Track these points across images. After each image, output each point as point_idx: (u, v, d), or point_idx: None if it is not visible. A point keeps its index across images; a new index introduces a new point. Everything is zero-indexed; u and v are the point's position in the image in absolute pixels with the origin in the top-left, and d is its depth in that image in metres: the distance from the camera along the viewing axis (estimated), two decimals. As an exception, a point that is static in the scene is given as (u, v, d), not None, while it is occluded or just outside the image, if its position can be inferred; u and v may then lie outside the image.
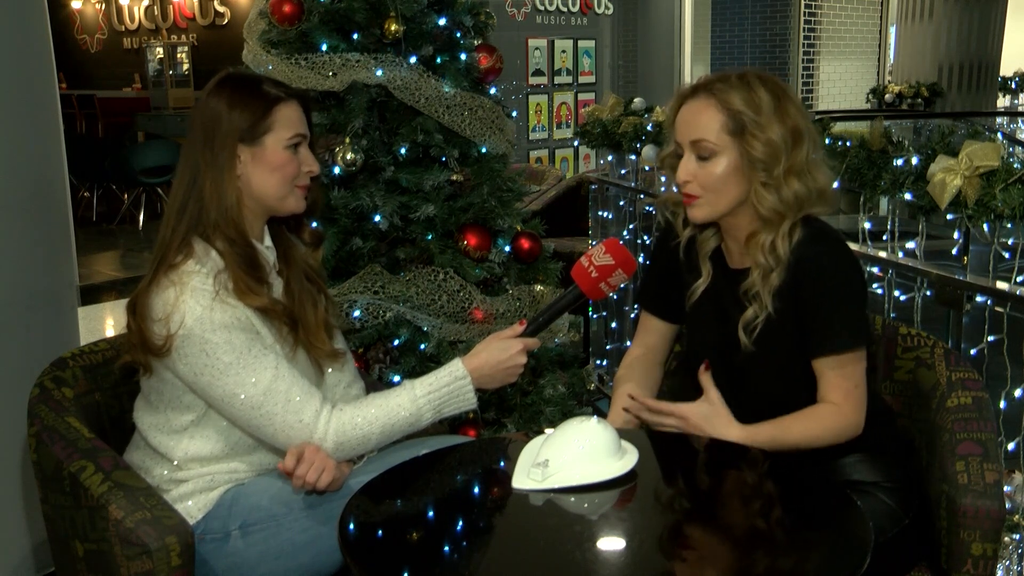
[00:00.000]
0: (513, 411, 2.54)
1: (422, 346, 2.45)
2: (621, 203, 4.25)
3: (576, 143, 8.79)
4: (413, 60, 2.50)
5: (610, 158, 4.32)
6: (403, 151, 2.49)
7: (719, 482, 1.68)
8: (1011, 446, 2.27)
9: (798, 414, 1.74)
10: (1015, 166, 2.11)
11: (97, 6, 13.26)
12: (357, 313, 2.43)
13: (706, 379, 1.82)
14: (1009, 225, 2.14)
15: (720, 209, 1.76)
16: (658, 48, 9.50)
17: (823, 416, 1.73)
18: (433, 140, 2.49)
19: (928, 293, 2.50)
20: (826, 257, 1.72)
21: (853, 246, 2.75)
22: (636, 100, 4.16)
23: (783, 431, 1.71)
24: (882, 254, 2.75)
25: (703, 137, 1.72)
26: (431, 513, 1.58)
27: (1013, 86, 11.03)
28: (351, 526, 1.48)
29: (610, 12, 9.31)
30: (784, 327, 1.74)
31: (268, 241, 1.84)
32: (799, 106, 1.75)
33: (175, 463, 1.76)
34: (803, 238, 1.73)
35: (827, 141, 2.75)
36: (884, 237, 2.84)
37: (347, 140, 2.43)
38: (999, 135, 6.10)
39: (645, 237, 4.05)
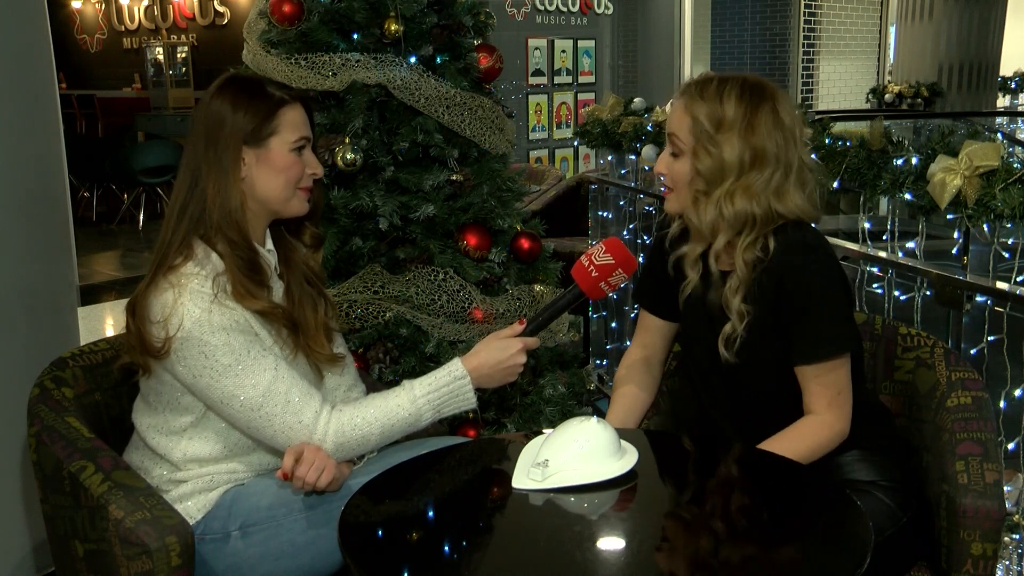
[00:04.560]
0: (513, 411, 2.54)
1: (422, 346, 2.45)
2: (621, 203, 4.25)
3: (576, 143, 8.79)
4: (413, 60, 2.50)
5: (610, 158, 4.32)
6: (403, 151, 2.49)
7: (718, 482, 1.68)
8: (1011, 446, 2.27)
9: (784, 435, 1.73)
10: (1015, 166, 2.11)
11: (97, 6, 13.25)
12: (357, 313, 2.43)
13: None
14: (1009, 225, 2.14)
15: (686, 205, 1.78)
16: (658, 48, 9.50)
17: (807, 433, 1.73)
18: (433, 140, 2.49)
19: (928, 293, 2.50)
20: (806, 265, 1.70)
21: (853, 246, 2.75)
22: (636, 100, 4.16)
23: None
24: (882, 254, 2.75)
25: (675, 133, 1.76)
26: (431, 513, 1.58)
27: (1013, 86, 11.01)
28: (351, 526, 1.48)
29: (610, 12, 9.30)
30: (767, 337, 1.74)
31: (270, 244, 1.84)
32: (781, 126, 1.72)
33: (174, 464, 1.76)
34: (779, 248, 1.71)
35: (827, 141, 2.75)
36: (884, 237, 2.84)
37: (347, 140, 2.42)
38: (999, 135, 6.09)
39: (645, 237, 4.05)
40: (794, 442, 1.71)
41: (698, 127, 1.72)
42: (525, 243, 2.62)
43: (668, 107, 1.87)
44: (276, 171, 1.76)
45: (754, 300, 1.73)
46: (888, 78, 10.89)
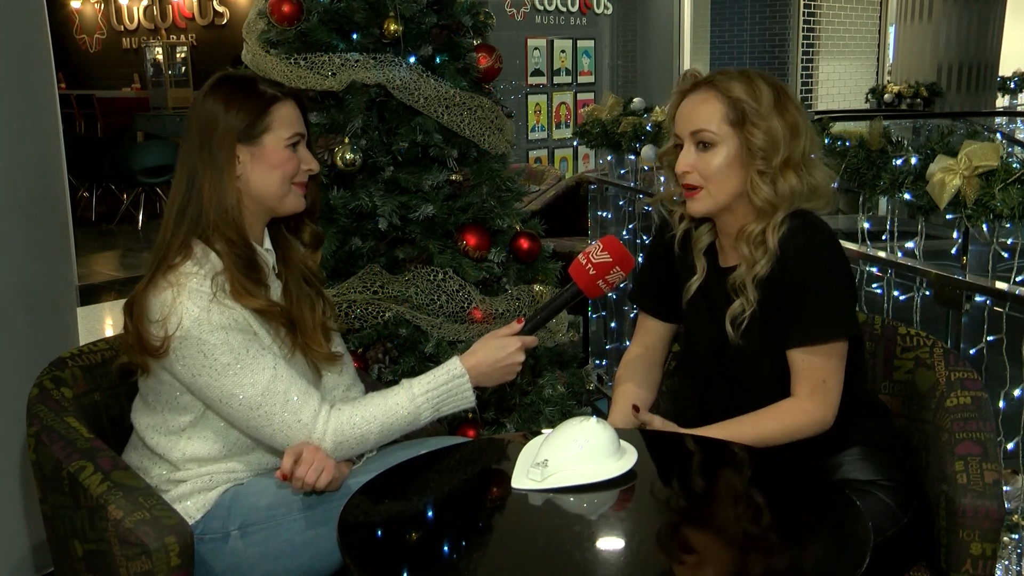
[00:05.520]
0: (512, 411, 2.54)
1: (421, 346, 2.45)
2: (620, 203, 4.26)
3: (575, 143, 8.79)
4: (412, 60, 2.50)
5: (609, 158, 4.33)
6: (402, 151, 2.49)
7: (718, 482, 1.68)
8: (1010, 446, 2.27)
9: (759, 413, 1.74)
10: (1014, 166, 2.11)
11: (96, 6, 13.25)
12: (357, 313, 2.43)
13: (645, 416, 1.83)
14: (1008, 225, 2.14)
15: (720, 201, 1.77)
16: (657, 48, 9.50)
17: (782, 414, 1.73)
18: (432, 140, 2.49)
19: (927, 293, 2.50)
20: (810, 248, 1.72)
21: (852, 246, 2.75)
22: (635, 100, 4.16)
23: (734, 433, 1.71)
24: (881, 254, 2.75)
25: (704, 127, 1.74)
26: (431, 513, 1.58)
27: (1012, 86, 11.01)
28: (350, 526, 1.48)
29: (609, 12, 9.31)
30: (772, 321, 1.74)
31: (268, 243, 1.84)
32: (798, 104, 1.78)
33: (173, 464, 1.76)
34: (790, 230, 1.73)
35: (826, 141, 2.75)
36: (883, 237, 2.84)
37: (346, 140, 2.42)
38: (998, 135, 6.10)
39: (644, 237, 4.05)
40: (767, 421, 1.72)
41: (741, 107, 1.72)
42: (524, 243, 2.62)
43: (674, 108, 1.83)
44: (271, 167, 1.76)
45: (762, 283, 1.73)
46: (887, 78, 10.89)
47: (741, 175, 1.74)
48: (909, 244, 2.67)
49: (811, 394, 1.72)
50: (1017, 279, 2.22)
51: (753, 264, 1.74)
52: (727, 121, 1.73)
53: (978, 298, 2.27)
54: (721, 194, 1.76)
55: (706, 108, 1.75)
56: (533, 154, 8.70)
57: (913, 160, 2.37)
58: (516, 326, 1.81)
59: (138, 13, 12.69)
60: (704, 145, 1.75)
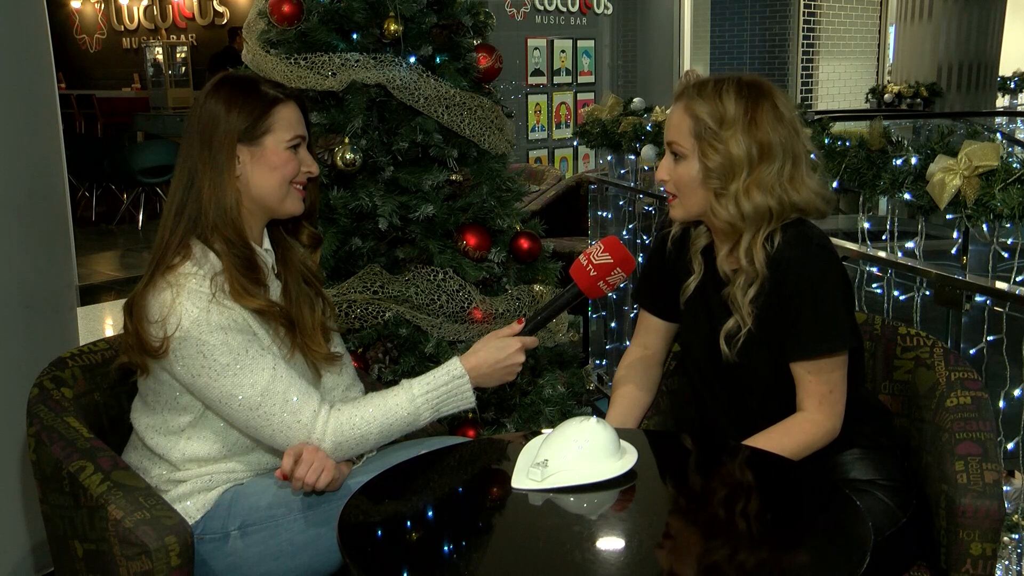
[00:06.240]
0: (512, 411, 2.54)
1: (422, 346, 2.45)
2: (620, 203, 4.26)
3: (575, 143, 8.80)
4: (413, 60, 2.50)
5: (609, 158, 4.33)
6: (402, 151, 2.49)
7: (717, 482, 1.68)
8: (1010, 446, 2.28)
9: (771, 432, 1.73)
10: (1014, 166, 2.12)
11: (96, 6, 13.26)
12: (357, 313, 2.43)
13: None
14: (1008, 225, 2.14)
15: (692, 211, 1.78)
16: (657, 48, 9.50)
17: (794, 431, 1.72)
18: (432, 140, 2.49)
19: (927, 293, 2.50)
20: (805, 261, 1.71)
21: (852, 246, 2.75)
22: (635, 100, 4.16)
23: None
24: (881, 254, 2.75)
25: (674, 139, 1.76)
26: (430, 513, 1.58)
27: (1012, 86, 11.02)
28: (350, 526, 1.48)
29: (609, 12, 9.31)
30: (768, 336, 1.74)
31: (267, 244, 1.84)
32: (782, 119, 1.73)
33: (173, 464, 1.76)
34: (783, 242, 1.72)
35: (826, 141, 2.75)
36: (883, 237, 2.84)
37: (346, 140, 2.43)
38: (998, 135, 6.09)
39: (644, 237, 4.05)
40: (781, 439, 1.71)
41: (701, 125, 1.72)
42: (524, 243, 2.62)
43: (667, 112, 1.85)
44: (271, 168, 1.76)
45: (757, 298, 1.73)
46: (887, 78, 10.90)
47: (709, 190, 1.74)
48: (909, 244, 2.67)
49: (820, 406, 1.73)
50: (1017, 279, 2.22)
51: (746, 283, 1.73)
52: (693, 135, 1.73)
53: (978, 298, 2.27)
54: (692, 205, 1.77)
55: (679, 120, 1.75)
56: (533, 154, 8.70)
57: (913, 160, 2.37)
58: (516, 326, 1.81)
59: (138, 13, 12.70)
60: (677, 156, 1.76)
